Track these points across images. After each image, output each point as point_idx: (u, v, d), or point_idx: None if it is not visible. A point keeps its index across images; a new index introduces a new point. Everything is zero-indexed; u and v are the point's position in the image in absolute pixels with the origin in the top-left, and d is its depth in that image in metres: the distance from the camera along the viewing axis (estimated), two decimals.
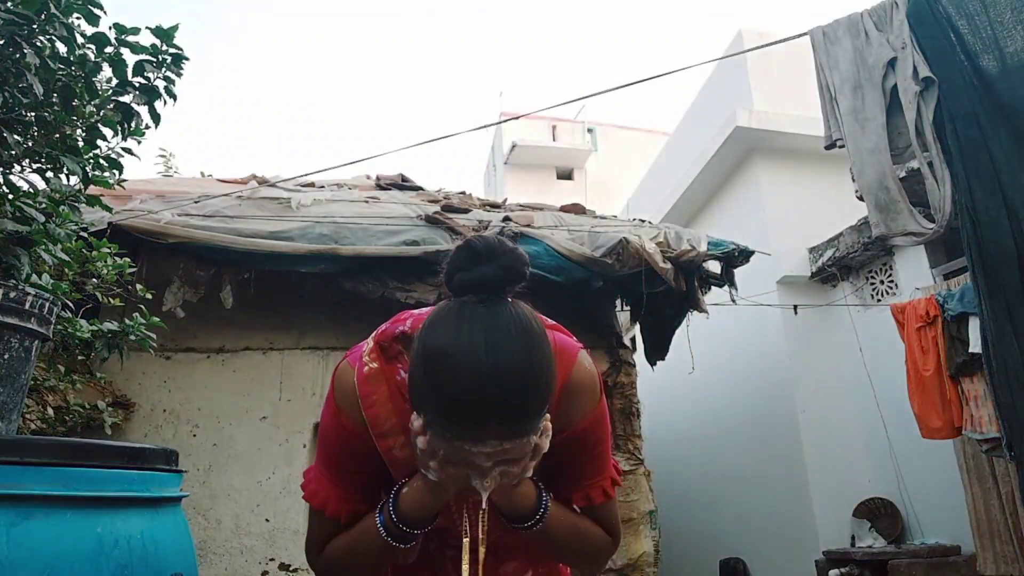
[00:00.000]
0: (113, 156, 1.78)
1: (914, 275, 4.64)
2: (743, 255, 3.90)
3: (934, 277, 4.50)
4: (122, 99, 1.69)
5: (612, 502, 1.01)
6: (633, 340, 5.05)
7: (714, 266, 3.95)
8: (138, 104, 1.70)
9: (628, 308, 4.16)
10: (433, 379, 0.75)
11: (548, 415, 0.82)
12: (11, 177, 1.67)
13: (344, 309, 3.48)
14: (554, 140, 15.93)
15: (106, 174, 1.80)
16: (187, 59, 1.69)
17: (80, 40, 1.59)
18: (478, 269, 0.79)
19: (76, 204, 1.80)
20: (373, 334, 0.97)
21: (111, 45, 1.62)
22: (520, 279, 0.80)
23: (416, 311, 0.97)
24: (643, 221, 4.19)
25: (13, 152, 1.58)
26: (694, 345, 4.28)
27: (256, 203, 3.41)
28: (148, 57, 1.66)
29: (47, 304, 1.45)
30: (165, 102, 1.73)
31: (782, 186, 5.75)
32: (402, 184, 4.52)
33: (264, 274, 3.16)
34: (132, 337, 2.07)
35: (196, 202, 3.20)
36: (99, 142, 1.74)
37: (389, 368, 0.93)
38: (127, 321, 2.08)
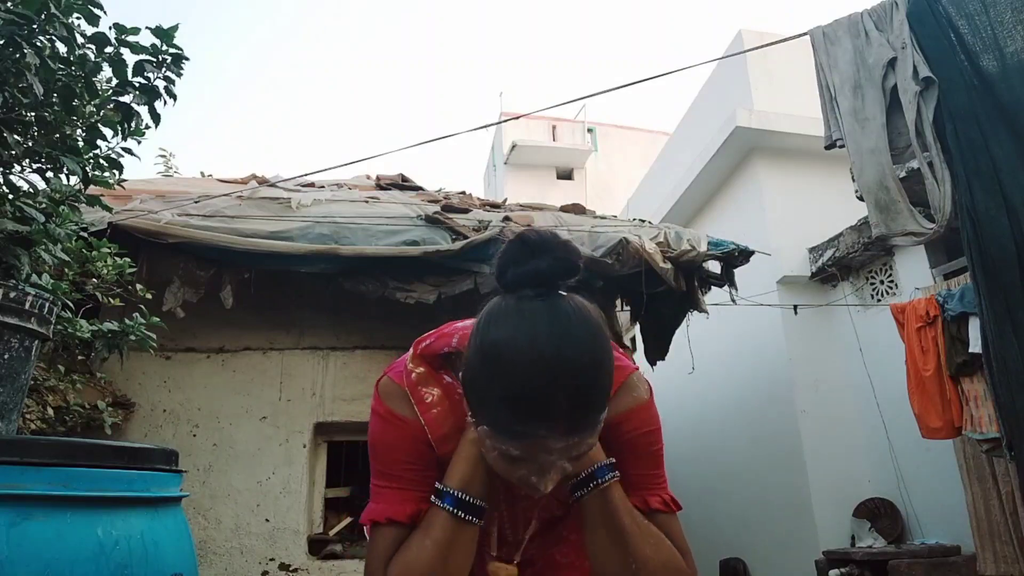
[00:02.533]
0: (113, 156, 1.78)
1: (914, 275, 4.64)
2: (743, 255, 3.90)
3: (934, 277, 4.50)
4: (122, 99, 1.69)
5: (675, 519, 0.95)
6: (633, 340, 5.06)
7: (714, 266, 3.95)
8: (138, 104, 1.70)
9: (628, 308, 4.16)
10: (497, 374, 0.72)
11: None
12: (11, 177, 1.67)
13: (344, 309, 3.48)
14: (554, 140, 15.90)
15: (106, 174, 1.80)
16: (187, 59, 1.70)
17: (80, 40, 1.59)
18: (532, 263, 0.76)
19: (76, 204, 1.81)
20: (413, 345, 0.95)
21: (111, 45, 1.62)
22: (574, 272, 0.78)
23: (461, 324, 0.94)
24: (643, 221, 4.19)
25: (13, 152, 1.58)
26: (694, 345, 4.27)
27: (256, 203, 3.41)
28: (148, 57, 1.66)
29: (47, 304, 1.45)
30: (165, 102, 1.73)
31: (782, 186, 5.74)
32: (402, 184, 4.52)
33: (264, 274, 3.16)
34: (132, 337, 2.07)
35: (196, 202, 3.20)
36: (99, 142, 1.75)
37: (436, 374, 0.93)
38: (127, 321, 2.08)
